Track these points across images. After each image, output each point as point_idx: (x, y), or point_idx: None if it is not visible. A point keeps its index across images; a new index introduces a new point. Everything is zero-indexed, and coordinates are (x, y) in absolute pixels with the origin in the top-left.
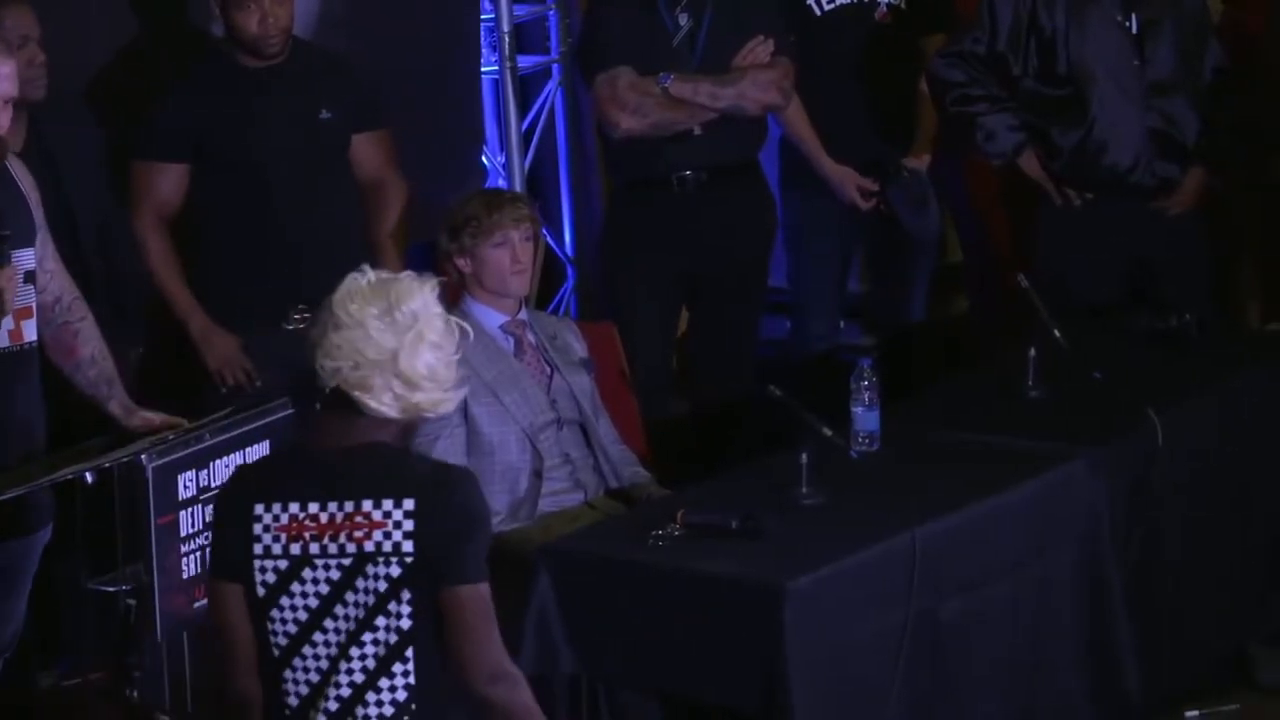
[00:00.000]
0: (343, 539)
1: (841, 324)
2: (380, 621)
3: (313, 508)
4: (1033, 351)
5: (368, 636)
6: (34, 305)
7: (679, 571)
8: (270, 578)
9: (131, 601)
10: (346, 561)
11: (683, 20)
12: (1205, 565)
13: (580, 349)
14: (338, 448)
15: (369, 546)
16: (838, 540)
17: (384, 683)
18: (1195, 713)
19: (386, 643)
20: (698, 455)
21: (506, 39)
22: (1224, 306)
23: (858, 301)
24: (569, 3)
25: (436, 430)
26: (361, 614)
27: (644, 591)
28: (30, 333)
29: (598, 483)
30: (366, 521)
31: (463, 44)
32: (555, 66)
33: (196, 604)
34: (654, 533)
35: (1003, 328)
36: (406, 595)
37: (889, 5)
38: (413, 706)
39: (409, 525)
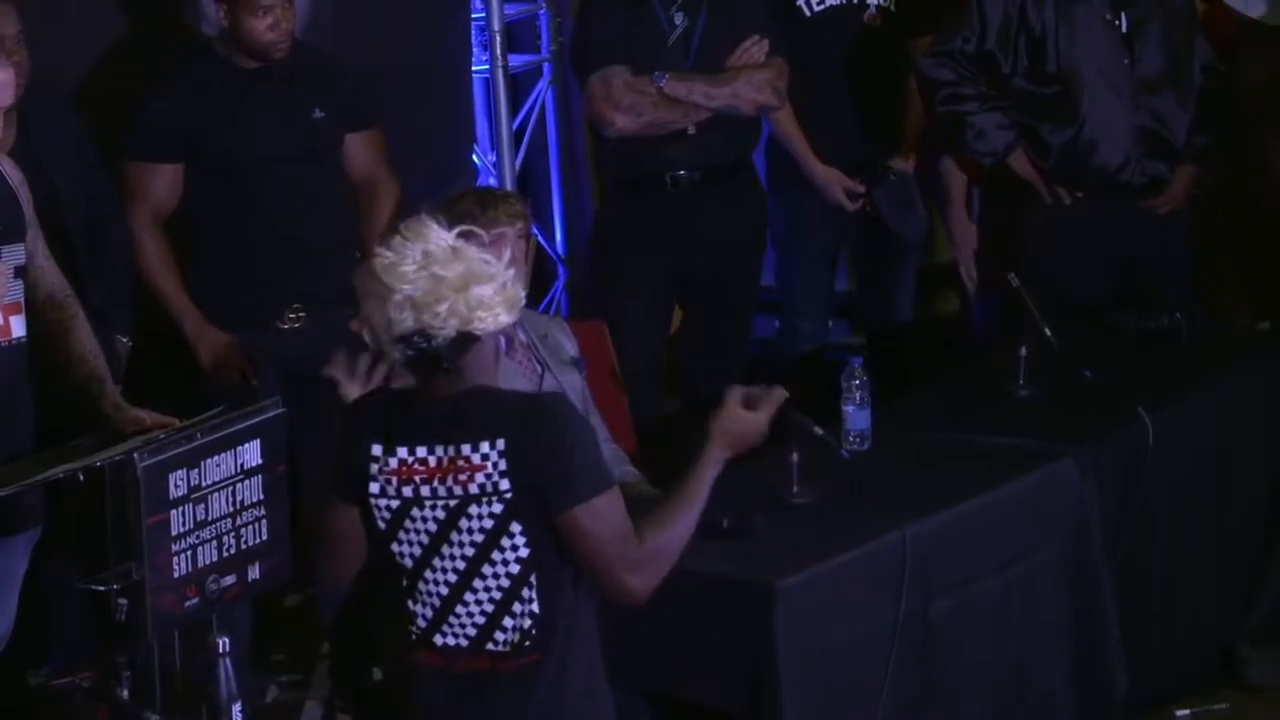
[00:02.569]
0: (450, 482)
1: (830, 323)
2: (497, 555)
3: (420, 452)
4: (1023, 350)
5: (488, 569)
6: (23, 301)
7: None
8: (385, 515)
9: (122, 600)
10: (453, 503)
11: (678, 19)
12: (1193, 564)
13: (571, 348)
14: (444, 396)
15: (473, 489)
16: (828, 539)
17: (515, 608)
18: (1186, 712)
19: (509, 574)
20: (685, 454)
21: (497, 38)
22: (1212, 305)
23: (846, 301)
24: (560, 2)
25: None
26: (473, 551)
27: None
28: (19, 329)
29: None
30: (468, 465)
31: (454, 43)
32: (546, 65)
33: (188, 603)
34: None
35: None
36: (517, 528)
37: (878, 7)
38: (533, 632)
39: (502, 465)
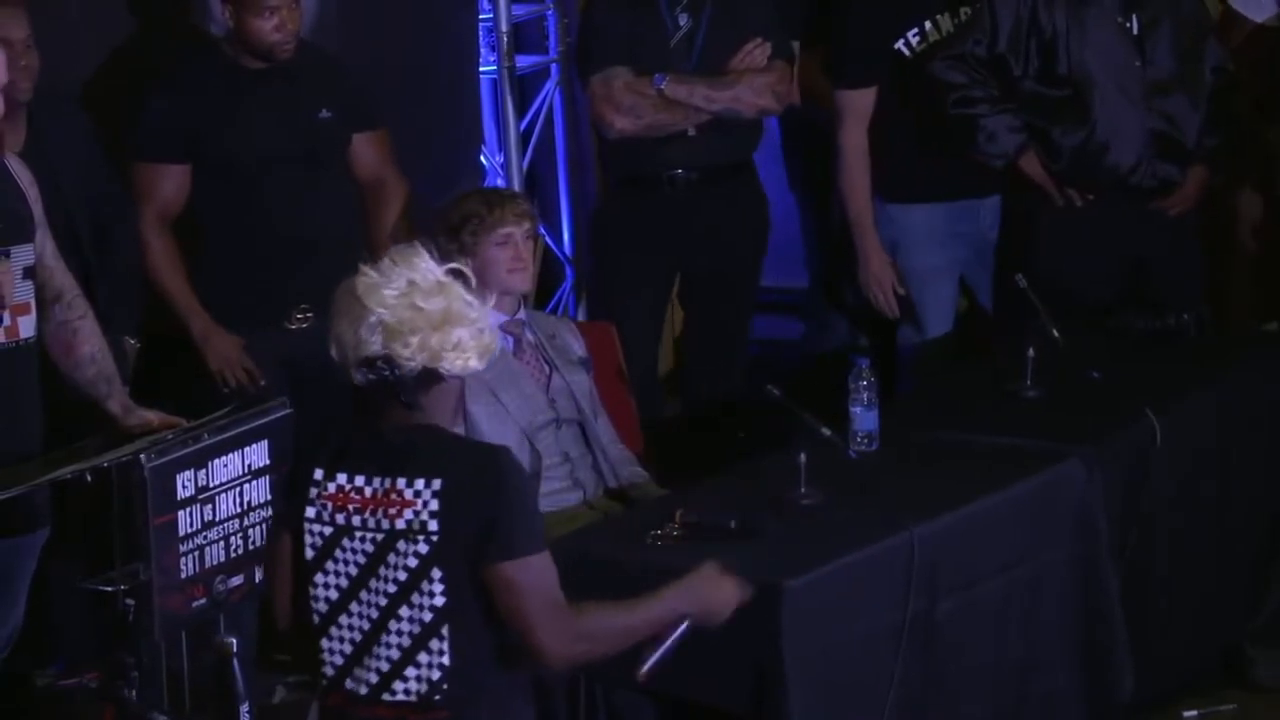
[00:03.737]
0: (380, 514)
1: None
2: (415, 598)
3: (359, 480)
4: (1030, 351)
5: (404, 612)
6: (32, 302)
7: (677, 571)
8: (317, 541)
9: (129, 601)
10: (380, 536)
11: (682, 20)
12: (1197, 564)
13: (579, 348)
14: (396, 428)
15: (400, 524)
16: (835, 540)
17: (421, 658)
18: (1194, 713)
19: (421, 621)
20: (690, 455)
21: (505, 39)
22: (1220, 306)
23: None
24: (567, 2)
25: None
26: (394, 589)
27: (642, 591)
28: (27, 329)
29: (596, 482)
30: (399, 499)
31: (461, 43)
32: (553, 66)
33: (194, 603)
34: (652, 532)
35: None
36: (437, 574)
37: None
38: (444, 686)
39: (435, 505)
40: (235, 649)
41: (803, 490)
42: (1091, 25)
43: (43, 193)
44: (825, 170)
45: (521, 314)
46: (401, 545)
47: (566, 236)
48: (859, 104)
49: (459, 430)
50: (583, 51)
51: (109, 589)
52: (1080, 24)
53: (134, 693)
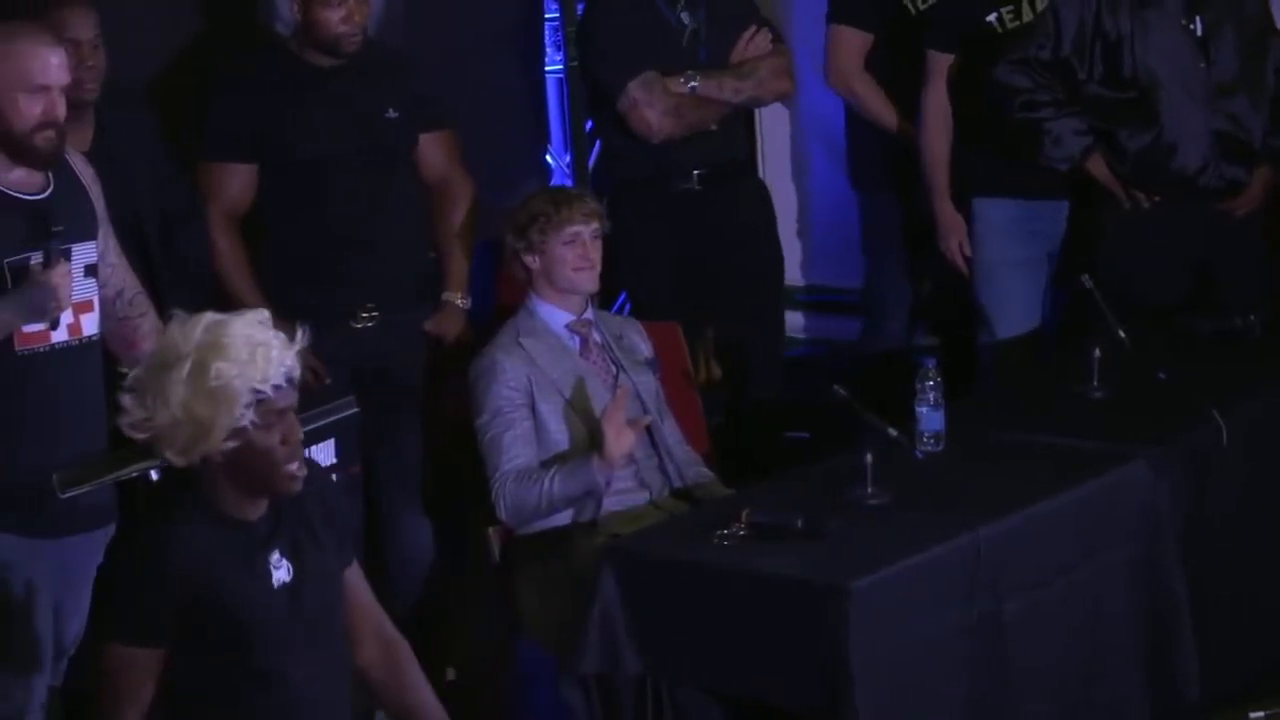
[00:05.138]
0: None
1: (911, 325)
2: None
3: None
4: (1096, 352)
5: None
6: (95, 300)
7: (743, 571)
8: None
9: None
10: None
11: (685, 18)
12: (1268, 564)
13: (646, 349)
14: None
15: None
16: (901, 540)
17: None
18: (1261, 714)
19: None
20: (739, 457)
21: (571, 37)
22: None
23: (926, 301)
24: None
25: (509, 422)
26: None
27: (708, 591)
28: (90, 327)
29: (662, 482)
30: None
31: (527, 43)
32: None
33: None
34: (718, 532)
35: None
36: None
37: None
38: None
39: None
40: None
41: (869, 490)
42: (1155, 28)
43: (107, 191)
44: (903, 167)
45: (589, 314)
46: None
47: None
48: (941, 66)
49: None
50: (603, 62)
51: None
52: (1144, 27)
53: None
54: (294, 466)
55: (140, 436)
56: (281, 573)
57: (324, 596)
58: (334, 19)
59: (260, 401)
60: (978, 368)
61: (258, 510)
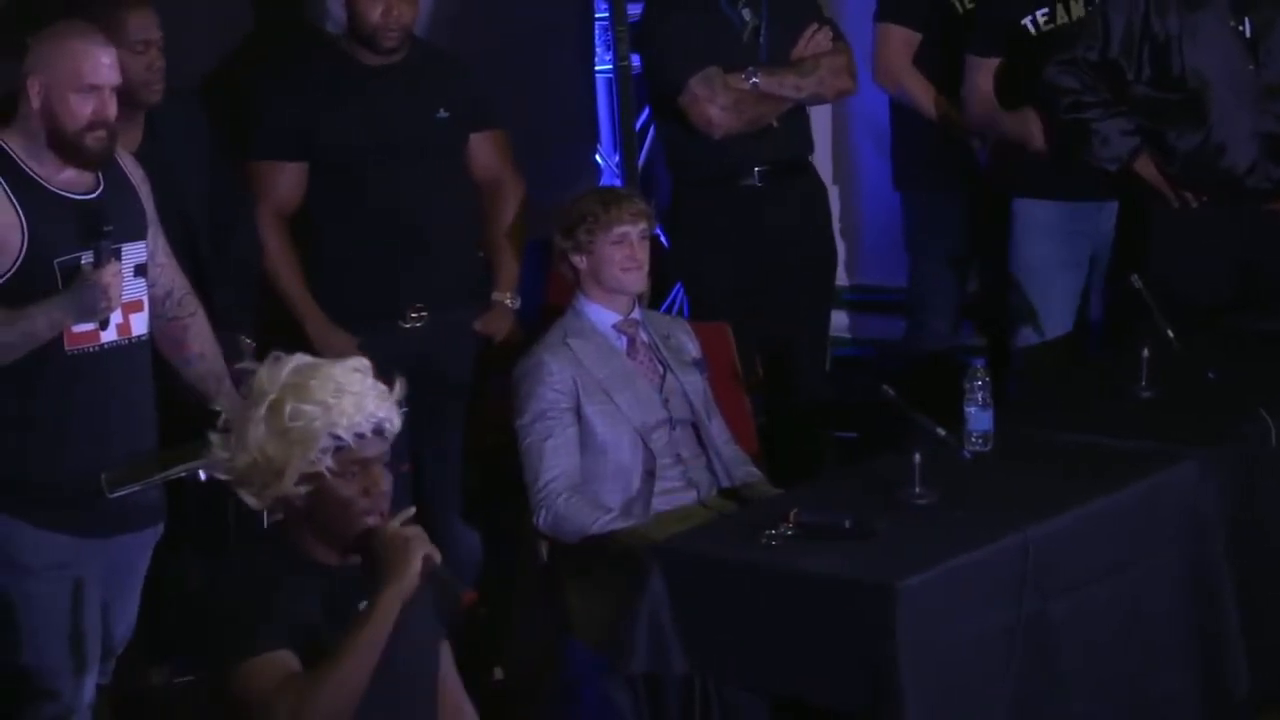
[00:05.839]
0: None
1: (959, 324)
2: None
3: None
4: (1145, 352)
5: None
6: (145, 299)
7: (791, 571)
8: None
9: None
10: None
11: (746, 15)
12: None
13: (693, 349)
14: None
15: None
16: (949, 540)
17: None
18: None
19: None
20: (787, 457)
21: (621, 37)
22: None
23: (973, 301)
24: None
25: (549, 429)
26: None
27: (756, 591)
28: (139, 327)
29: (710, 482)
30: None
31: (577, 42)
32: None
33: None
34: (766, 532)
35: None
36: None
37: None
38: None
39: None
40: None
41: (917, 490)
42: (1203, 29)
43: (157, 191)
44: (955, 163)
45: (636, 314)
46: None
47: None
48: (977, 69)
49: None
50: (666, 61)
51: None
52: (1192, 28)
53: None
54: (374, 520)
55: (226, 479)
56: None
57: (417, 663)
58: (374, 11)
59: (340, 449)
60: (1010, 370)
61: (348, 560)
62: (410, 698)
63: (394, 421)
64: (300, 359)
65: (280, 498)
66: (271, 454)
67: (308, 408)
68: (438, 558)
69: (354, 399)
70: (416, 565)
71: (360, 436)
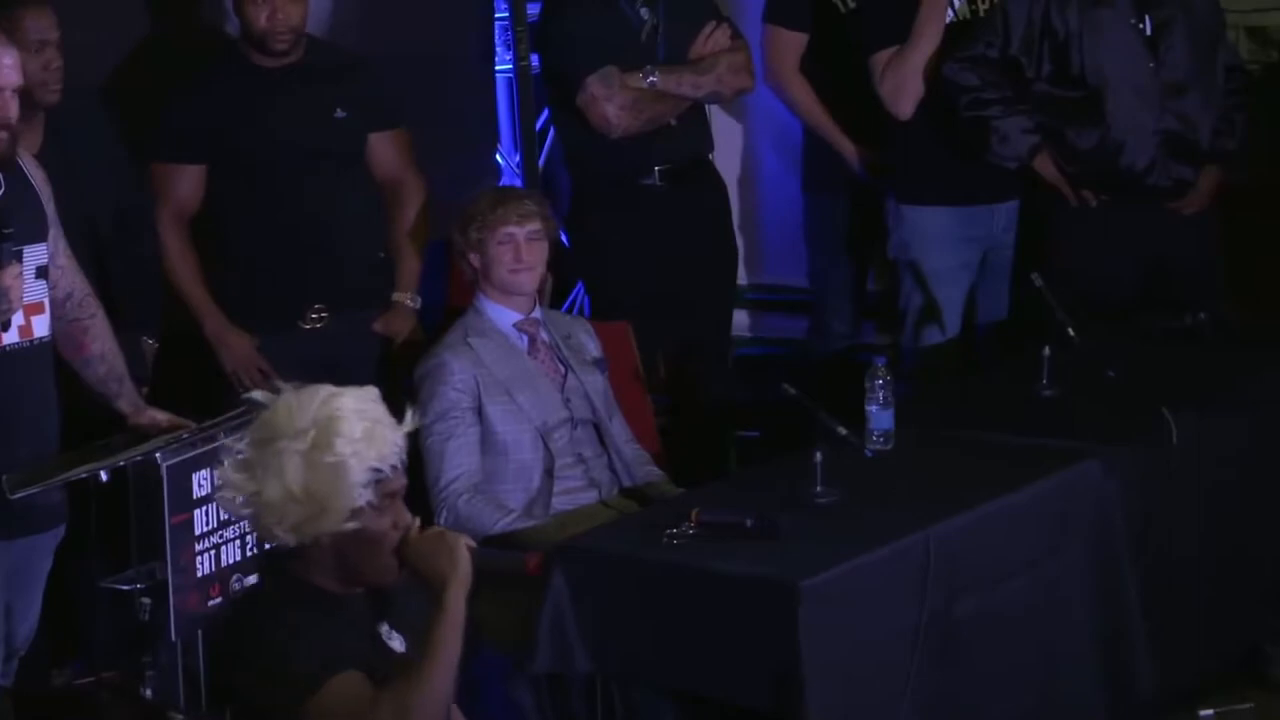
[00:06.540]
0: None
1: (860, 323)
2: None
3: None
4: (1047, 350)
5: None
6: (46, 301)
7: (694, 570)
8: None
9: (146, 600)
10: None
11: (644, 14)
12: (1219, 563)
13: (594, 348)
14: None
15: None
16: (852, 539)
17: None
18: (1210, 712)
19: None
20: (689, 456)
21: (521, 37)
22: (1241, 306)
23: (874, 301)
24: None
25: (450, 430)
26: None
27: (659, 590)
28: (41, 328)
29: (612, 481)
30: None
31: (477, 42)
32: None
33: (210, 602)
34: (668, 531)
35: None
36: None
37: None
38: None
39: None
40: None
41: (819, 489)
42: (1104, 27)
43: (59, 193)
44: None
45: (536, 313)
46: None
47: None
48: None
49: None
50: (563, 58)
51: (125, 588)
52: (1093, 25)
53: (150, 692)
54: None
55: (244, 512)
56: (395, 643)
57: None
58: (259, 16)
59: (379, 481)
60: (898, 371)
61: (352, 591)
62: None
63: (405, 452)
64: (324, 390)
65: (319, 534)
66: (316, 491)
67: (347, 443)
68: (474, 545)
69: (382, 431)
70: (465, 557)
71: (394, 468)
